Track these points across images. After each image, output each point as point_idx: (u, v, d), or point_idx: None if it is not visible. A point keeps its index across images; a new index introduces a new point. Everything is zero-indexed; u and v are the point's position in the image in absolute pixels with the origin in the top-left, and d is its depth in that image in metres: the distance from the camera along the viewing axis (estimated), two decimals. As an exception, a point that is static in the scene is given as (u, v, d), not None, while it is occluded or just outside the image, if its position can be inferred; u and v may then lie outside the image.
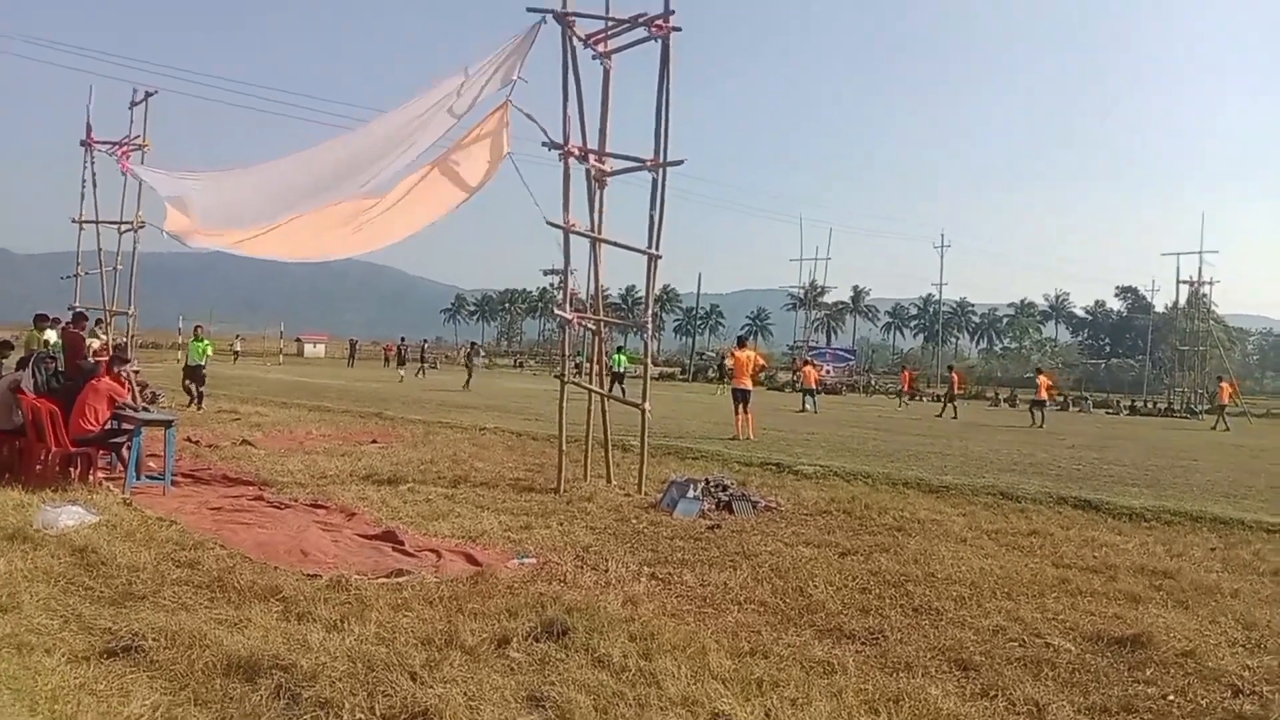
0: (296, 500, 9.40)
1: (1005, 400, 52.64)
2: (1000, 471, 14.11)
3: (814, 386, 33.97)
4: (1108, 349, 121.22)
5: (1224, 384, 35.78)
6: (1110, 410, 47.81)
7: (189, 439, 13.38)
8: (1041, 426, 28.72)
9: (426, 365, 50.96)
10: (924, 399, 52.10)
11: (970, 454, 17.18)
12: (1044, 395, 31.90)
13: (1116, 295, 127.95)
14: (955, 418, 31.91)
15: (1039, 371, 36.00)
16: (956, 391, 35.78)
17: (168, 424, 10.28)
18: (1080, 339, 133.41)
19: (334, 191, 10.32)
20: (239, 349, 64.19)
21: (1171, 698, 4.75)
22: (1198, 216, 56.35)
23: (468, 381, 36.89)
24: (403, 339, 54.22)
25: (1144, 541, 9.08)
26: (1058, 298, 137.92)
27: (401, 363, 47.41)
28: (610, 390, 30.31)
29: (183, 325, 66.21)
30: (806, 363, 39.41)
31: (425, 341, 54.06)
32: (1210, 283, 59.58)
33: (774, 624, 5.80)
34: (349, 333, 76.63)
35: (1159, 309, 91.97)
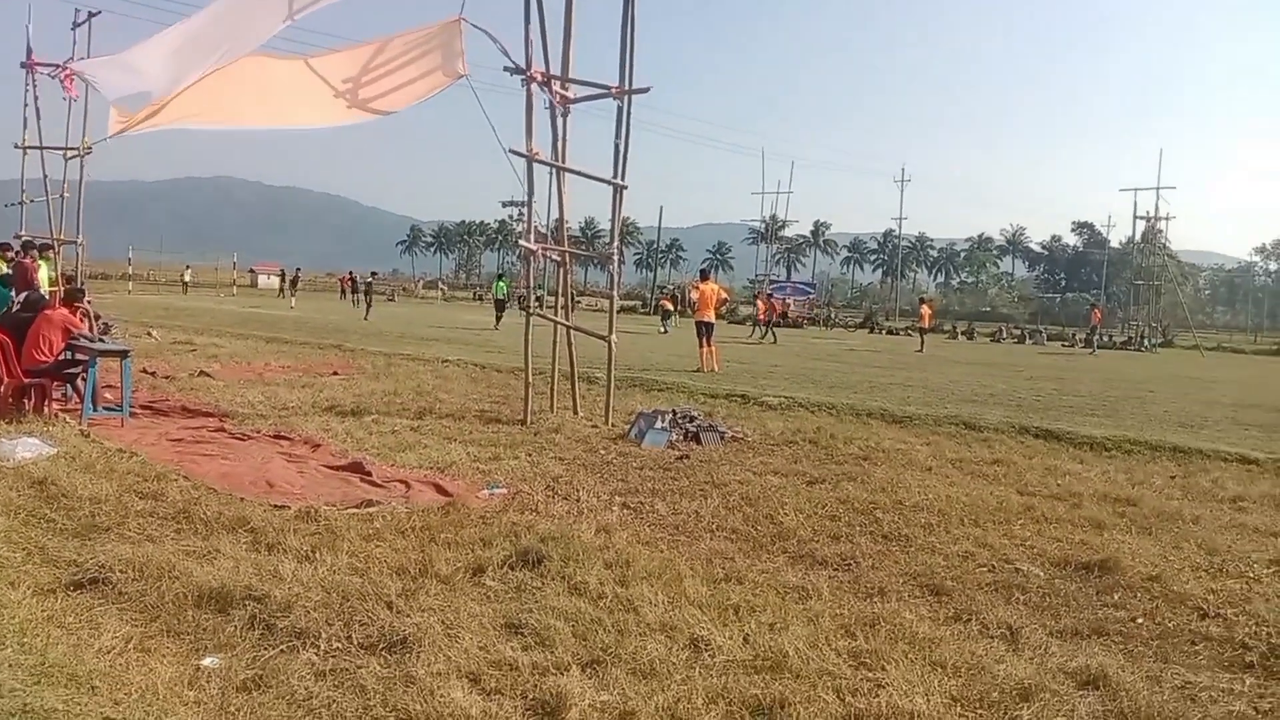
0: (259, 432, 9.26)
1: (963, 333, 53.20)
2: (961, 402, 14.27)
3: (763, 319, 35.73)
4: (1063, 284, 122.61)
5: (924, 307, 37.67)
6: (1066, 344, 48.46)
7: (145, 370, 13.14)
8: (921, 350, 31.84)
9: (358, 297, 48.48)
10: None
11: (930, 385, 17.35)
12: (926, 323, 36.71)
13: (1073, 230, 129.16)
14: (771, 341, 32.24)
15: (922, 300, 40.86)
16: (761, 319, 36.23)
17: (124, 354, 10.03)
18: (1036, 273, 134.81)
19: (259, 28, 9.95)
20: (189, 279, 62.78)
21: (1140, 620, 4.84)
22: (1155, 152, 56.99)
23: (367, 312, 36.32)
24: (350, 272, 52.87)
25: (1105, 470, 9.25)
26: (1015, 232, 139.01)
27: (354, 294, 46.45)
28: (498, 318, 31.71)
29: (132, 256, 64.95)
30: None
31: (375, 274, 51.14)
32: (1166, 219, 60.31)
33: (747, 551, 5.83)
34: (303, 264, 75.42)
35: (1115, 244, 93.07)
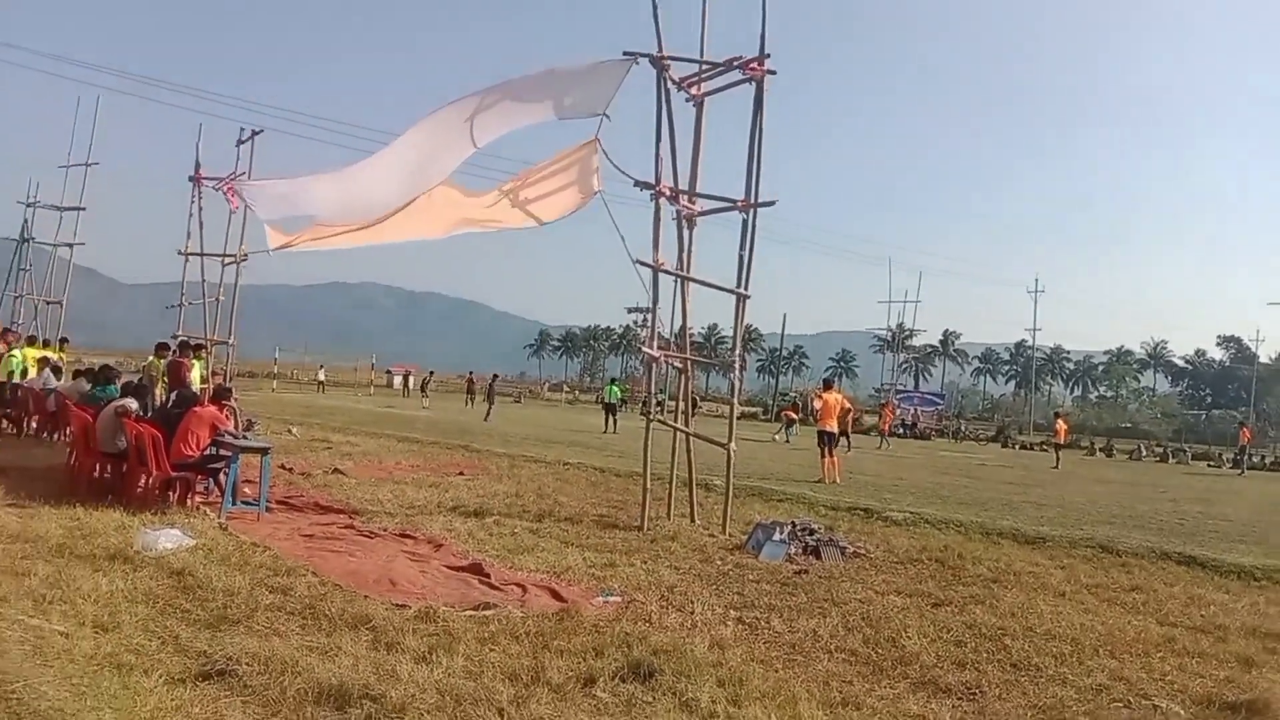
0: (386, 530, 9.50)
1: (1101, 450, 50.97)
2: (1099, 524, 13.62)
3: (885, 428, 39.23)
4: (1209, 399, 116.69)
5: (1059, 421, 36.55)
6: (1212, 463, 45.84)
7: (283, 466, 13.67)
8: (1057, 467, 30.76)
9: (473, 398, 48.71)
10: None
11: (1068, 504, 16.64)
12: (1061, 438, 35.34)
13: (1218, 344, 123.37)
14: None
15: (1058, 415, 40.47)
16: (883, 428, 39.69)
17: (264, 451, 10.51)
18: (1180, 389, 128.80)
19: (422, 180, 10.60)
20: (323, 378, 65.40)
21: (1295, 771, 4.47)
22: (1307, 264, 54.09)
23: (488, 413, 36.44)
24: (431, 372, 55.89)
25: (1255, 602, 8.67)
26: (1156, 346, 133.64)
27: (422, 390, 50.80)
28: (608, 421, 32.05)
29: (279, 356, 68.28)
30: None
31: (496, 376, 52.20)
32: (1319, 333, 57.19)
33: (866, 675, 5.63)
34: (437, 366, 78.13)
35: (1264, 360, 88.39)
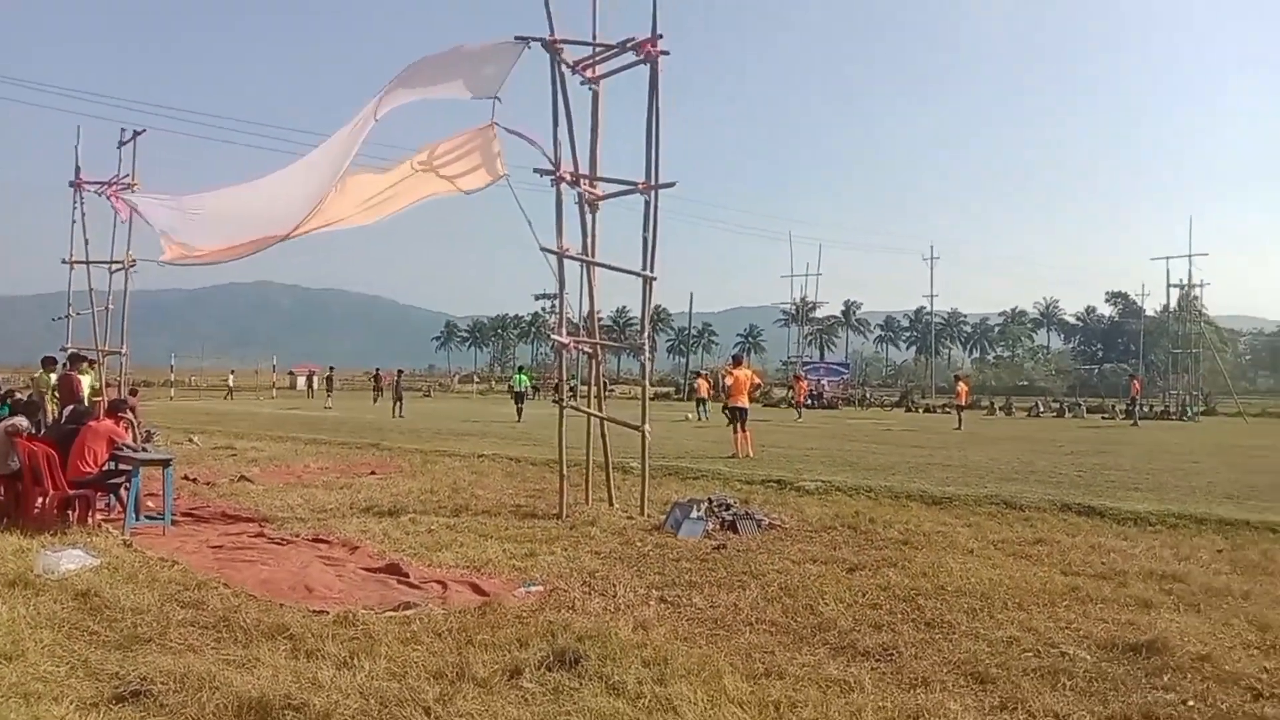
0: (298, 536, 9.32)
1: (1001, 409, 52.60)
2: (1002, 481, 14.10)
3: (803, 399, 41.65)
4: (1100, 354, 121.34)
5: (960, 384, 37.38)
6: (1106, 415, 47.74)
7: (186, 477, 13.29)
8: (959, 428, 31.62)
9: (380, 394, 48.40)
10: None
11: (970, 464, 17.17)
12: (963, 400, 35.88)
13: (1107, 301, 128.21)
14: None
15: (958, 378, 40.93)
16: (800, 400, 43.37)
17: (165, 463, 10.20)
18: (1072, 345, 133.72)
19: (332, 175, 10.38)
20: (233, 384, 63.67)
21: (1191, 703, 4.71)
22: (1185, 220, 55.88)
23: (398, 409, 35.34)
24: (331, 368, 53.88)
25: (1150, 546, 9.08)
26: (1048, 305, 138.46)
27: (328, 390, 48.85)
28: (519, 411, 31.88)
29: (174, 362, 66.20)
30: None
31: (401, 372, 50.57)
32: (1200, 285, 59.81)
33: (787, 644, 5.75)
34: (341, 364, 76.68)
35: (1150, 313, 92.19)
